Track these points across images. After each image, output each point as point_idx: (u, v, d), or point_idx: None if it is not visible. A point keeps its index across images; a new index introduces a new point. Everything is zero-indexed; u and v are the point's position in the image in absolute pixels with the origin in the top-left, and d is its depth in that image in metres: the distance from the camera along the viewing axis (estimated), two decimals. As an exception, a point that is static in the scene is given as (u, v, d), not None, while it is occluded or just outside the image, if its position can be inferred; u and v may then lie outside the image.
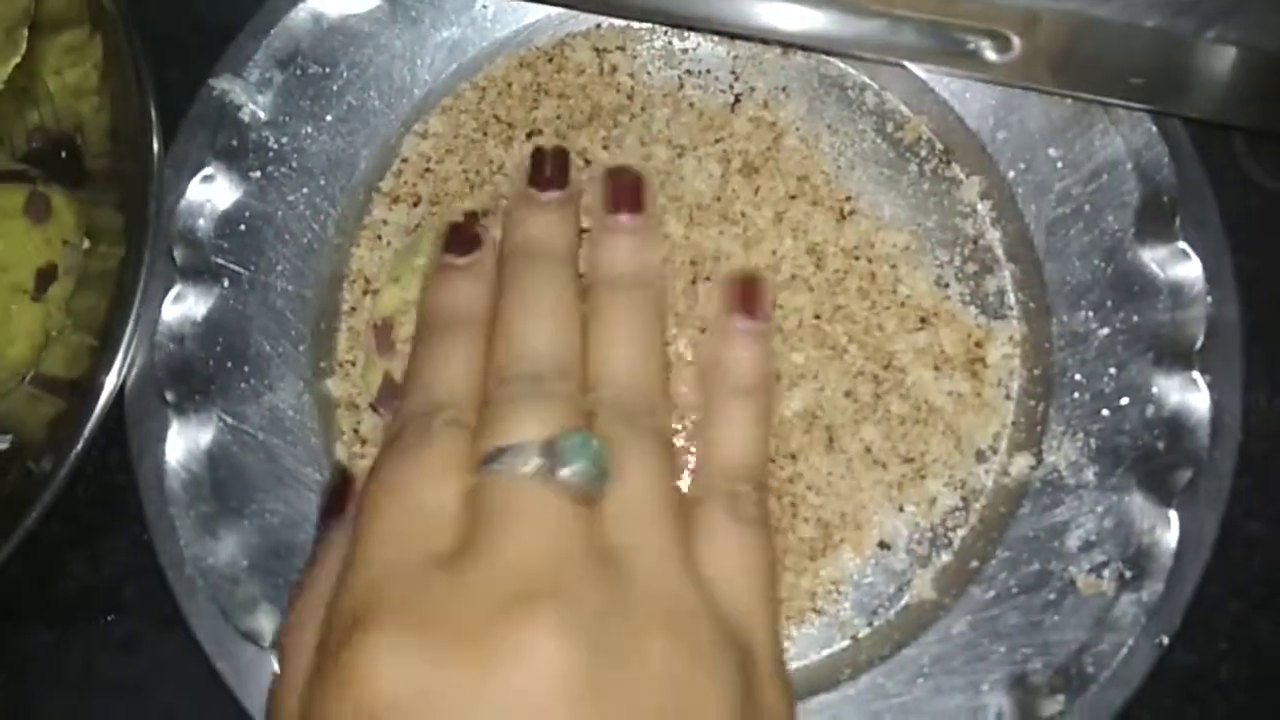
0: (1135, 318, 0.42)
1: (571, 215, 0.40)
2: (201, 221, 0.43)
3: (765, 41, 0.44)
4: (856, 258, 0.44)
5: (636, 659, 0.28)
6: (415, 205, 0.45)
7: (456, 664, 0.27)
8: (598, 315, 0.37)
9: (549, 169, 0.41)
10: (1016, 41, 0.35)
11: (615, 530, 0.31)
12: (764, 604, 0.33)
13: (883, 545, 0.42)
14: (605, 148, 0.45)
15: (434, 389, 0.36)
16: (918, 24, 0.35)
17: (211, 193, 0.43)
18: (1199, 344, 0.41)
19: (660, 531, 0.32)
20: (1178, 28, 0.35)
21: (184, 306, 0.42)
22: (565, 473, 0.31)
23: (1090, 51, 0.36)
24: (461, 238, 0.40)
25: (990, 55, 0.36)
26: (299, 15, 0.44)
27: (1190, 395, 0.41)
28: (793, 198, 0.45)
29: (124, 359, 0.41)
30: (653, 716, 0.28)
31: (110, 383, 0.41)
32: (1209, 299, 0.41)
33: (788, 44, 0.42)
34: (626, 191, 0.40)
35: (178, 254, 0.42)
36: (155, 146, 0.43)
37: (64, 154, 0.47)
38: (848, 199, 0.45)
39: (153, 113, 0.43)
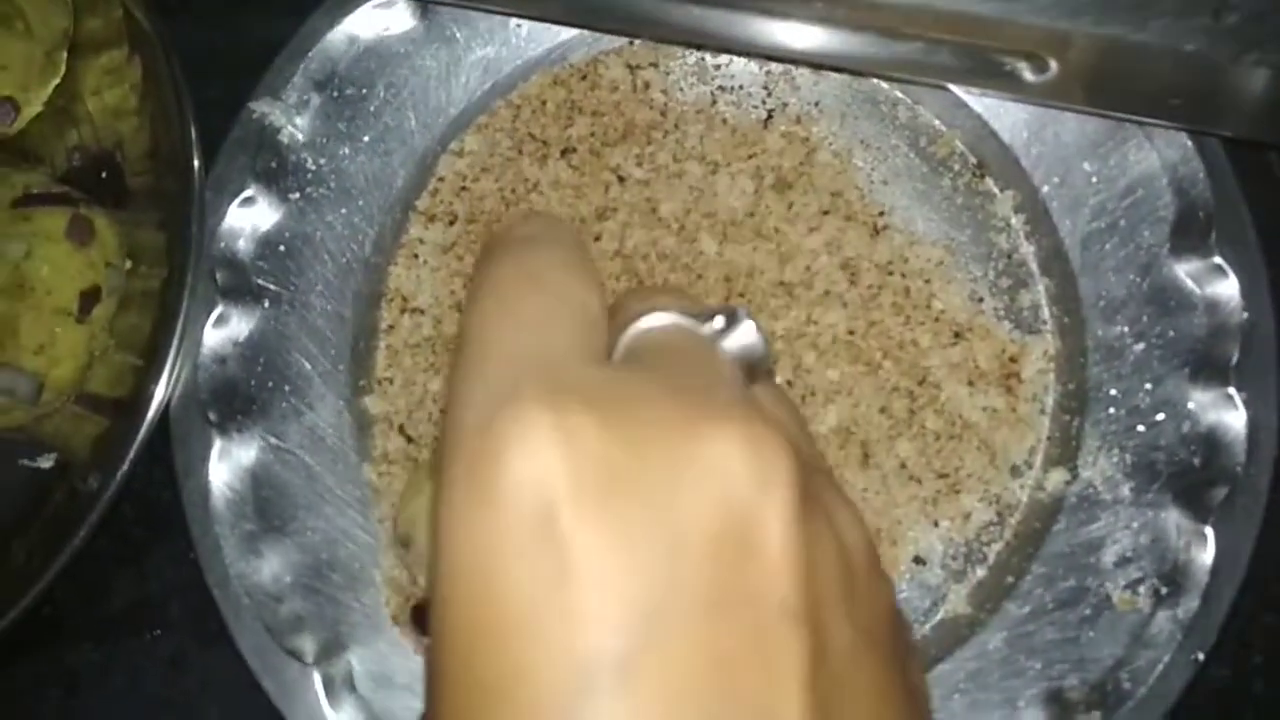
0: (1171, 332, 0.42)
1: None
2: (242, 243, 0.44)
3: (800, 63, 0.44)
4: (890, 273, 0.44)
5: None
6: (451, 224, 0.46)
7: (651, 449, 0.21)
8: None
9: None
10: (1053, 63, 0.35)
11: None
12: None
13: (918, 560, 0.42)
14: (639, 164, 0.45)
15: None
16: (953, 46, 0.35)
17: (252, 214, 0.44)
18: (1235, 359, 0.41)
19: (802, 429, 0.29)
20: (1215, 52, 0.35)
21: (226, 327, 0.43)
22: (735, 342, 0.25)
23: (1127, 74, 0.36)
24: None
25: (1027, 76, 0.36)
26: (336, 37, 0.44)
27: (1226, 411, 0.41)
28: (826, 213, 0.45)
29: (169, 378, 0.42)
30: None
31: (155, 401, 0.42)
32: (1245, 314, 0.41)
33: (823, 66, 0.42)
34: None
35: (219, 275, 0.43)
36: (196, 167, 0.43)
37: (104, 174, 0.47)
38: (881, 214, 0.45)
39: (192, 133, 0.43)
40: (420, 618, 0.41)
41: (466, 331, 0.24)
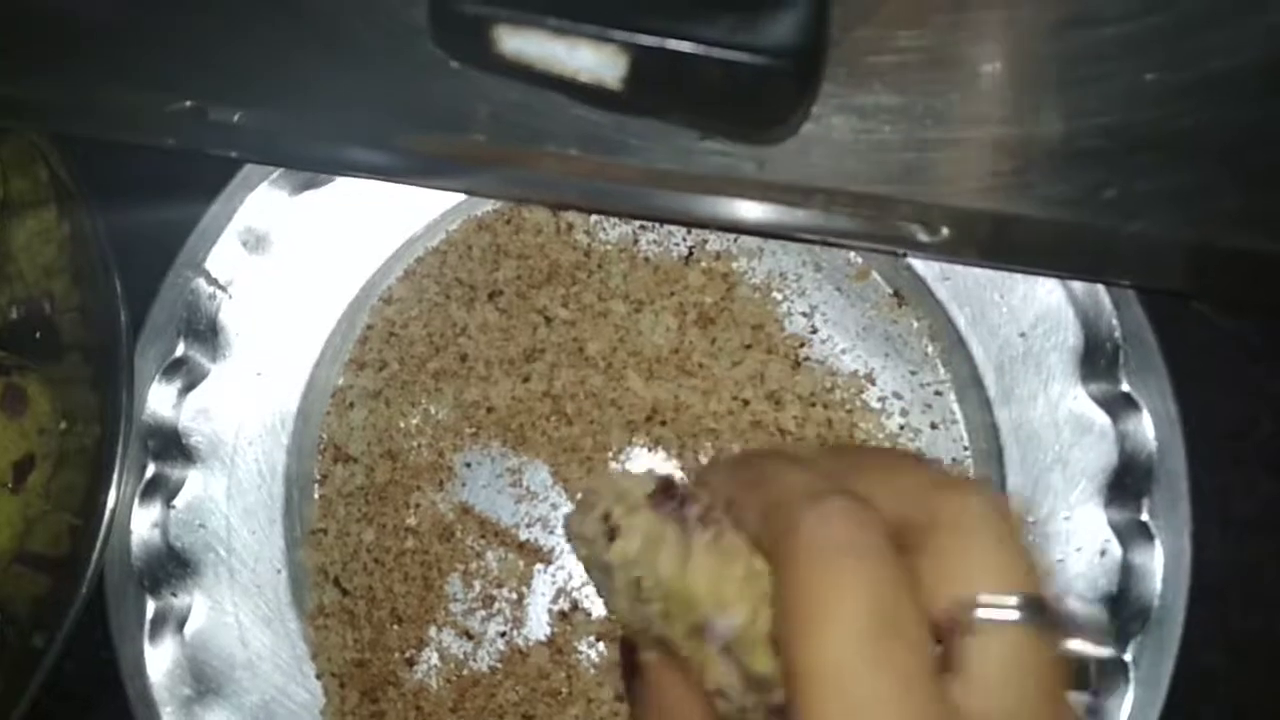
0: (1084, 462, 0.43)
1: None
2: (172, 405, 0.44)
3: (707, 227, 0.45)
4: (813, 404, 0.45)
5: None
6: (381, 370, 0.46)
7: None
8: None
9: None
10: (944, 229, 0.36)
11: None
12: None
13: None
14: (565, 305, 0.46)
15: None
16: (850, 213, 0.36)
17: (182, 376, 0.44)
18: (1147, 489, 0.42)
19: None
20: (1099, 222, 0.36)
21: (158, 491, 0.43)
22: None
23: (1015, 239, 0.37)
24: None
25: (922, 237, 0.37)
26: (259, 197, 0.45)
27: (1140, 538, 0.42)
28: (748, 347, 0.46)
29: (103, 540, 0.43)
30: None
31: (93, 560, 0.43)
32: (1155, 443, 0.42)
33: (728, 229, 0.44)
34: None
35: (150, 440, 0.43)
36: (122, 327, 0.44)
37: (39, 333, 0.48)
38: (801, 346, 0.46)
39: (118, 293, 0.44)
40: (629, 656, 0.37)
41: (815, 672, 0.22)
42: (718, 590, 0.27)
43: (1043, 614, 0.22)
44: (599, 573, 0.33)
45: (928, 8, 0.37)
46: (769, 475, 0.26)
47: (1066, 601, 0.22)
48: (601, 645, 0.44)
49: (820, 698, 0.22)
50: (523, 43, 0.32)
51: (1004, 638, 0.22)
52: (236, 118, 0.41)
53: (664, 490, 0.31)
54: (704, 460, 0.45)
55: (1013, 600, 0.22)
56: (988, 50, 0.37)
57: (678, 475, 0.32)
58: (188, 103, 0.41)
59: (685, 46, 0.31)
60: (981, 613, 0.22)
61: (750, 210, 0.37)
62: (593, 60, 0.31)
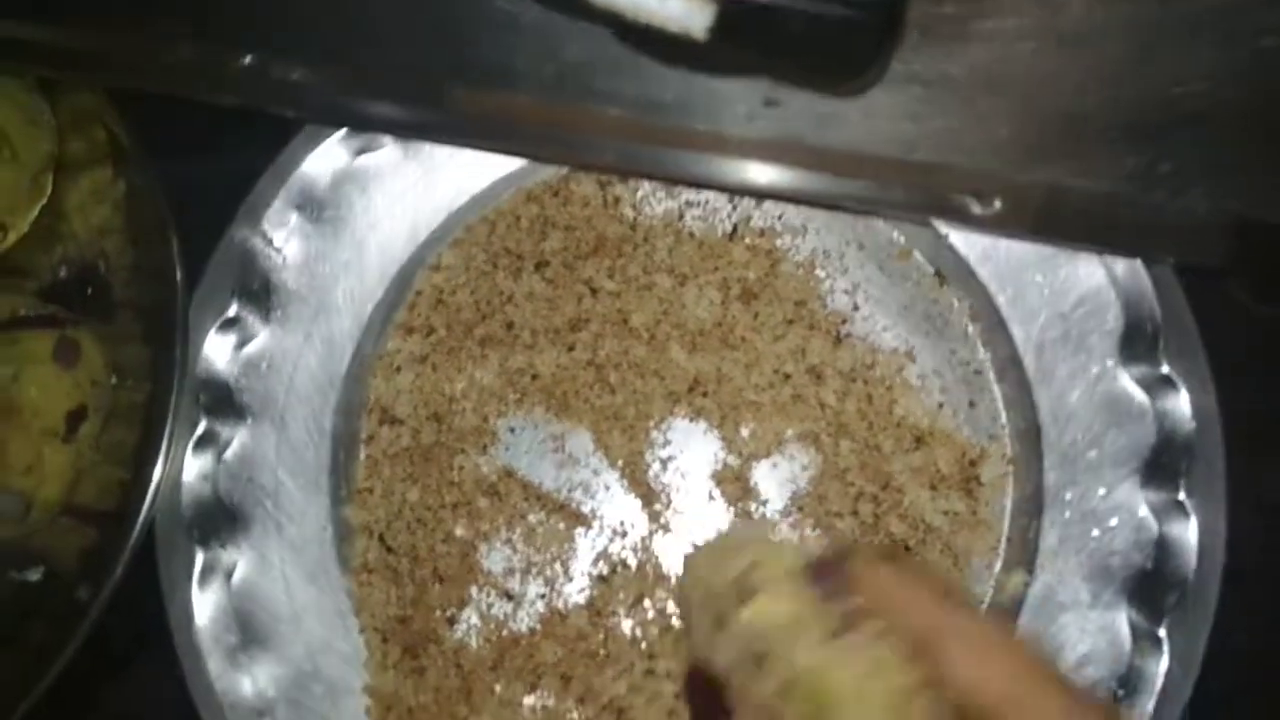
0: (1122, 440, 0.43)
1: None
2: (225, 362, 0.45)
3: (759, 196, 0.45)
4: (853, 380, 0.46)
5: None
6: (428, 335, 0.47)
7: None
8: None
9: None
10: (998, 201, 0.37)
11: None
12: None
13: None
14: (610, 277, 0.47)
15: None
16: (904, 184, 0.37)
17: (235, 334, 0.45)
18: (1184, 468, 0.42)
19: None
20: (1152, 195, 0.37)
21: (209, 445, 0.44)
22: None
23: (1068, 212, 0.38)
24: None
25: (974, 210, 0.38)
26: (315, 160, 0.46)
27: (1177, 517, 0.42)
28: (790, 322, 0.47)
29: (154, 492, 0.43)
30: None
31: (141, 515, 0.43)
32: (1193, 424, 0.43)
33: (781, 198, 0.44)
34: None
35: (202, 395, 0.44)
36: (179, 283, 0.44)
37: (90, 289, 0.48)
38: (843, 323, 0.47)
39: (175, 250, 0.45)
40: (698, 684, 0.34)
41: None
42: (861, 695, 0.28)
43: None
44: (704, 616, 0.33)
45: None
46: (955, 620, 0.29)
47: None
48: (646, 604, 0.44)
49: None
50: (613, -13, 0.33)
51: None
52: (297, 75, 0.41)
53: (820, 569, 0.31)
54: (745, 431, 0.45)
55: None
56: (1048, 25, 0.37)
57: (830, 552, 0.32)
58: (248, 59, 0.42)
59: (770, -3, 0.32)
60: None
61: (804, 180, 0.38)
62: (682, 9, 0.32)
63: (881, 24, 0.33)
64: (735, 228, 0.47)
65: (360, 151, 0.46)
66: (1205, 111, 0.37)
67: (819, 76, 0.36)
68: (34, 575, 0.46)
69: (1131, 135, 0.38)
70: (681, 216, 0.48)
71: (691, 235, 0.48)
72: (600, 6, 0.32)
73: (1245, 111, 0.37)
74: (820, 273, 0.47)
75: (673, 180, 0.44)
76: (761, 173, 0.39)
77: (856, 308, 0.47)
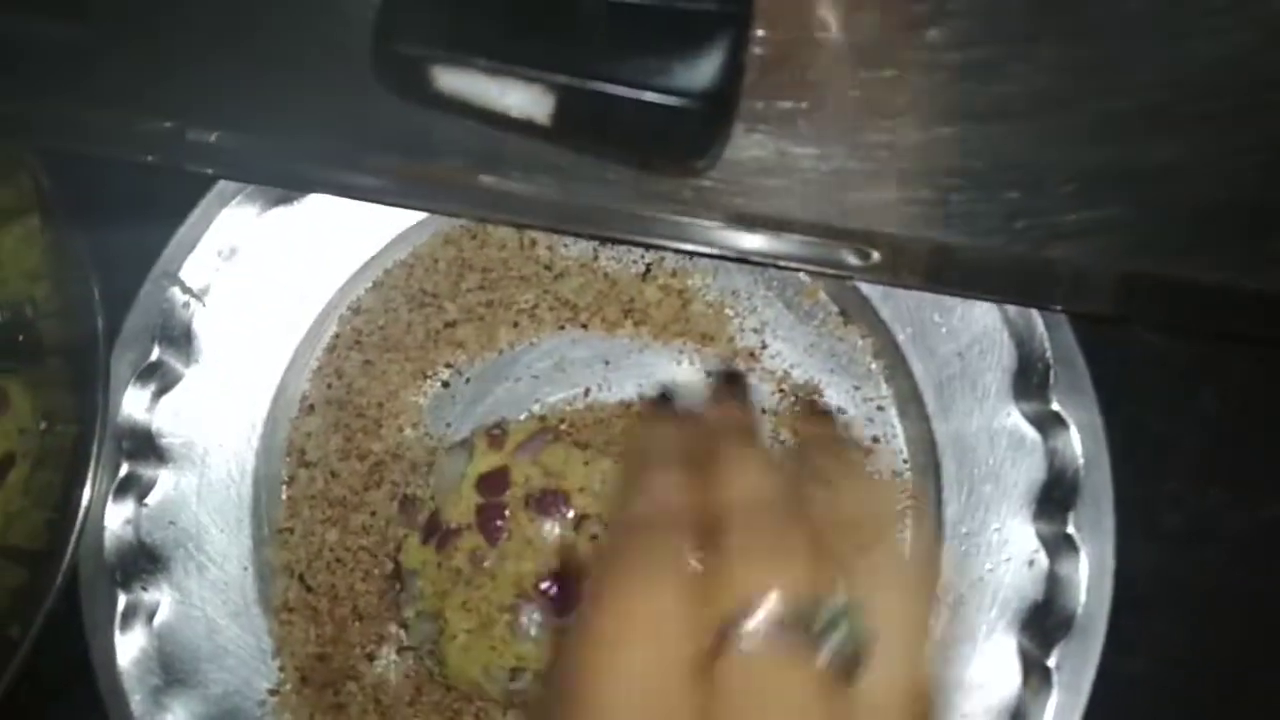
0: (1015, 476, 0.45)
1: None
2: (146, 408, 0.46)
3: (660, 248, 0.47)
4: (761, 414, 0.47)
5: None
6: (341, 378, 0.48)
7: None
8: None
9: None
10: (876, 255, 0.38)
11: None
12: None
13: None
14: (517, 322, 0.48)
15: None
16: (782, 239, 0.39)
17: (155, 380, 0.46)
18: (1074, 501, 0.44)
19: None
20: (1014, 248, 0.39)
21: (131, 489, 0.45)
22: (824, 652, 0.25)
23: (949, 266, 0.39)
24: None
25: (855, 262, 0.39)
26: (234, 208, 0.47)
27: (1066, 550, 0.44)
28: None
29: (77, 535, 0.45)
30: None
31: (68, 554, 0.45)
32: (1081, 460, 0.44)
33: (678, 251, 0.46)
34: None
35: (125, 441, 0.45)
36: (99, 331, 0.46)
37: (21, 337, 0.49)
38: (752, 356, 0.48)
39: (95, 298, 0.46)
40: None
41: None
42: None
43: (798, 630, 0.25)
44: None
45: (843, 56, 0.39)
46: None
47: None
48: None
49: None
50: (458, 81, 0.34)
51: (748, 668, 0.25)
52: (213, 138, 0.43)
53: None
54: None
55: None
56: (905, 90, 0.39)
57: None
58: (167, 123, 0.43)
59: (604, 87, 0.34)
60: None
61: (682, 235, 0.40)
62: (522, 99, 0.33)
63: (714, 111, 0.34)
64: (648, 268, 0.49)
65: (278, 201, 0.47)
66: (1081, 170, 0.39)
67: (655, 161, 0.38)
68: (-34, 615, 0.47)
69: (1005, 192, 0.39)
70: (596, 258, 0.49)
71: (605, 275, 0.49)
72: (449, 97, 0.34)
73: (1121, 168, 0.39)
74: (729, 311, 0.48)
75: (577, 235, 0.46)
76: (647, 229, 0.41)
77: (765, 345, 0.48)
